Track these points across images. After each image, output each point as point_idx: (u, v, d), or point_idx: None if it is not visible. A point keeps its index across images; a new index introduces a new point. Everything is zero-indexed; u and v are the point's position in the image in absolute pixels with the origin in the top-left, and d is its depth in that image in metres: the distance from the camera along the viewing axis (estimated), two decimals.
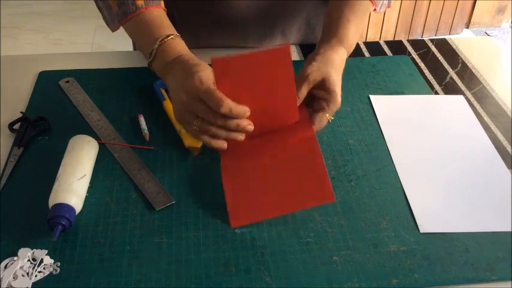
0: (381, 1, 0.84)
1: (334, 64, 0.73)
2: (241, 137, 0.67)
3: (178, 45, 0.73)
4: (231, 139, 0.67)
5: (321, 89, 0.72)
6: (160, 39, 0.72)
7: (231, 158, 0.70)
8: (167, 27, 0.75)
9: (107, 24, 0.82)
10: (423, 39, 1.02)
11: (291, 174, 0.68)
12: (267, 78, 0.68)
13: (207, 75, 0.65)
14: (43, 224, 0.61)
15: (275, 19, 0.94)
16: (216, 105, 0.63)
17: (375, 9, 0.83)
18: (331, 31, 0.79)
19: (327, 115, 0.72)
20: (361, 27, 0.82)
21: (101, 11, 0.83)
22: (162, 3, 0.78)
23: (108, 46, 2.58)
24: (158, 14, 0.76)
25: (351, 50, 0.80)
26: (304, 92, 0.71)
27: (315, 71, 0.70)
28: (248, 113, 0.66)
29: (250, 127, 0.67)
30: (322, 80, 0.71)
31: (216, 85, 0.65)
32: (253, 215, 0.64)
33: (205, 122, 0.66)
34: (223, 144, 0.67)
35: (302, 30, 0.98)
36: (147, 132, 0.75)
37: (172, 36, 0.73)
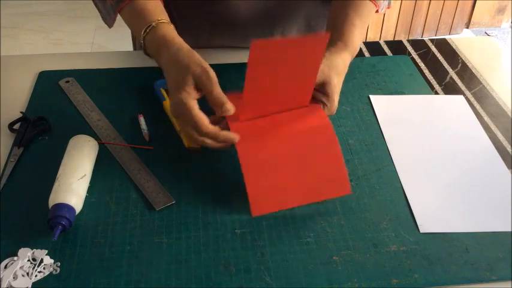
0: (383, 2, 0.84)
1: (337, 69, 0.73)
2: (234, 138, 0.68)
3: (165, 32, 0.73)
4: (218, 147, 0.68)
5: (320, 92, 0.72)
6: (147, 26, 0.73)
7: (249, 147, 0.69)
8: (155, 13, 0.75)
9: (104, 20, 0.82)
10: (423, 39, 1.02)
11: (310, 163, 0.68)
12: (298, 63, 0.68)
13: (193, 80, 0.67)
14: (43, 224, 0.61)
15: (275, 19, 0.94)
16: (209, 85, 0.66)
17: (377, 11, 0.84)
18: (336, 34, 0.78)
19: None
20: (365, 30, 0.82)
21: (97, 7, 0.83)
22: None
23: (108, 46, 2.59)
24: (148, 1, 0.76)
25: (355, 54, 0.80)
26: None
27: (318, 73, 0.70)
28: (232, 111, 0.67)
29: (235, 137, 0.67)
30: (323, 83, 0.71)
31: (248, 67, 0.65)
32: (274, 205, 0.65)
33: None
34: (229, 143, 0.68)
35: (302, 31, 0.98)
36: (147, 132, 0.75)
37: (159, 22, 0.73)
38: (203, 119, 0.66)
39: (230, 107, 0.66)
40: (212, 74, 0.66)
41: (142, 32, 0.73)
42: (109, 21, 0.81)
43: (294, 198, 0.66)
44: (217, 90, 0.66)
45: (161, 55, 0.71)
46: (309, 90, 0.71)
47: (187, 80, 0.66)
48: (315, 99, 0.73)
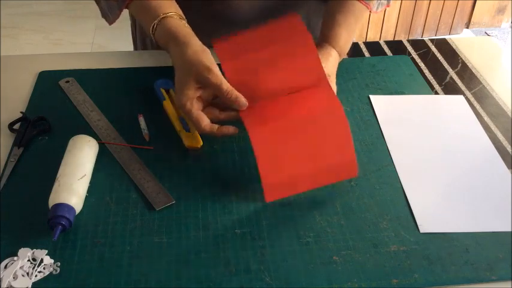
0: (377, 1, 0.84)
1: (325, 69, 0.74)
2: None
3: (174, 24, 0.74)
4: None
5: None
6: (158, 19, 0.74)
7: (260, 131, 0.68)
8: (163, 7, 0.76)
9: (105, 16, 0.82)
10: (423, 39, 1.02)
11: (320, 146, 0.68)
12: (282, 47, 0.69)
13: (204, 75, 0.68)
14: (43, 224, 0.60)
15: (276, 18, 0.93)
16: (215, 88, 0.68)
17: (371, 11, 0.84)
18: (322, 36, 0.82)
19: None
20: (354, 30, 0.83)
21: (98, 4, 0.83)
22: None
23: (108, 46, 2.59)
24: None
25: (344, 52, 0.82)
26: None
27: None
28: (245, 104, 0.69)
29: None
30: None
31: (222, 68, 0.68)
32: (286, 189, 0.66)
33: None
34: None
35: None
36: (147, 132, 0.75)
37: (169, 15, 0.74)
38: (200, 121, 0.68)
39: (244, 101, 0.68)
40: (217, 71, 0.67)
41: (150, 28, 0.75)
42: (110, 19, 0.81)
43: (305, 182, 0.67)
44: (226, 85, 0.67)
45: (170, 51, 0.73)
46: (315, 67, 0.71)
47: (188, 81, 0.67)
48: None
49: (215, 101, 0.71)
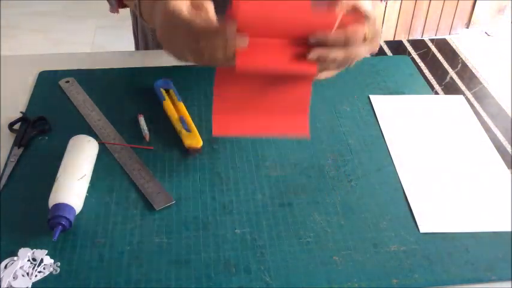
0: None
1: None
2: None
3: None
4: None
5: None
6: None
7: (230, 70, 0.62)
8: None
9: (111, 7, 0.80)
10: (423, 39, 1.02)
11: (276, 98, 0.66)
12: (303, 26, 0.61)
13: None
14: (43, 224, 0.60)
15: None
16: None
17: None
18: None
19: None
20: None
21: None
22: None
23: (108, 46, 2.58)
24: None
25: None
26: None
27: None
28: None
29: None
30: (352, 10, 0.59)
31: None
32: (236, 128, 0.66)
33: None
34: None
35: None
36: (147, 132, 0.75)
37: None
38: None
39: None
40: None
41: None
42: (113, 8, 0.79)
43: (256, 125, 0.67)
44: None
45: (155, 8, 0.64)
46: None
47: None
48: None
49: None
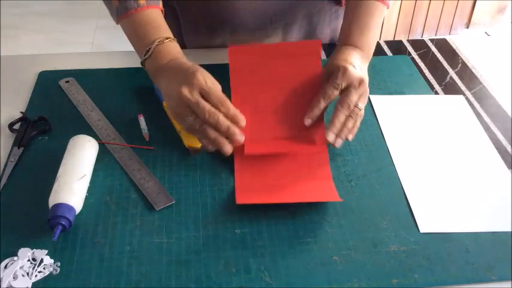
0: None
1: (348, 59, 0.74)
2: (228, 147, 0.68)
3: (175, 49, 0.74)
4: (218, 143, 0.67)
5: (331, 85, 0.72)
6: (158, 40, 0.72)
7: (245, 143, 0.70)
8: (165, 30, 0.75)
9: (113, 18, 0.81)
10: (423, 39, 1.02)
11: (299, 173, 0.70)
12: (290, 70, 0.70)
13: (207, 73, 0.67)
14: (43, 224, 0.61)
15: (277, 18, 0.93)
16: (218, 100, 0.66)
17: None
18: (344, 35, 0.80)
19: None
20: (378, 30, 0.82)
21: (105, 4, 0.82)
22: (161, 3, 0.78)
23: (108, 46, 2.58)
24: (157, 16, 0.76)
25: (368, 51, 0.81)
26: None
27: (327, 66, 0.73)
28: (243, 123, 0.68)
29: (240, 138, 0.67)
30: (332, 73, 0.72)
31: (230, 73, 0.67)
32: (259, 196, 0.66)
33: (198, 120, 0.66)
34: (226, 148, 0.68)
35: (303, 29, 0.98)
36: (147, 132, 0.75)
37: (170, 39, 0.73)
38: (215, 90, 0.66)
39: (242, 117, 0.68)
40: (219, 87, 0.67)
41: (143, 55, 0.74)
42: (114, 20, 0.80)
43: (280, 195, 0.67)
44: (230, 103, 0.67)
45: (161, 69, 0.71)
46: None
47: (195, 75, 0.66)
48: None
49: None
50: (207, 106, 0.66)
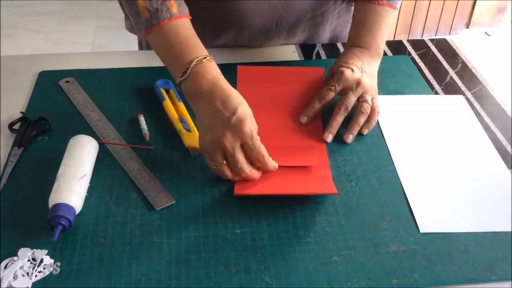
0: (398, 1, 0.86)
1: (349, 63, 0.78)
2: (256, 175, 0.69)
3: (213, 69, 0.69)
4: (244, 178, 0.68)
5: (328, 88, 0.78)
6: (197, 60, 0.68)
7: None
8: (201, 47, 0.71)
9: (136, 32, 0.79)
10: (423, 39, 1.02)
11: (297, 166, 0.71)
12: (293, 94, 0.77)
13: (254, 123, 0.66)
14: (43, 224, 0.61)
15: (282, 19, 0.93)
16: (257, 154, 0.66)
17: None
18: (353, 37, 0.84)
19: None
20: (386, 32, 0.85)
21: (127, 18, 0.81)
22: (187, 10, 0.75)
23: (108, 46, 2.58)
24: (189, 28, 0.72)
25: (378, 51, 0.83)
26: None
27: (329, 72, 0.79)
28: (276, 168, 0.69)
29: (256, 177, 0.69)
30: (332, 76, 0.78)
31: (237, 88, 0.69)
32: (256, 188, 0.67)
33: (226, 165, 0.67)
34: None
35: (306, 31, 0.98)
36: (147, 132, 0.75)
37: (208, 58, 0.69)
38: (266, 153, 0.67)
39: (275, 165, 0.68)
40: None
41: (179, 75, 0.69)
42: (139, 34, 0.75)
43: (278, 187, 0.68)
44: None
45: (200, 94, 0.68)
46: (317, 126, 0.77)
47: (244, 125, 0.65)
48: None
49: None
50: (241, 160, 0.66)
